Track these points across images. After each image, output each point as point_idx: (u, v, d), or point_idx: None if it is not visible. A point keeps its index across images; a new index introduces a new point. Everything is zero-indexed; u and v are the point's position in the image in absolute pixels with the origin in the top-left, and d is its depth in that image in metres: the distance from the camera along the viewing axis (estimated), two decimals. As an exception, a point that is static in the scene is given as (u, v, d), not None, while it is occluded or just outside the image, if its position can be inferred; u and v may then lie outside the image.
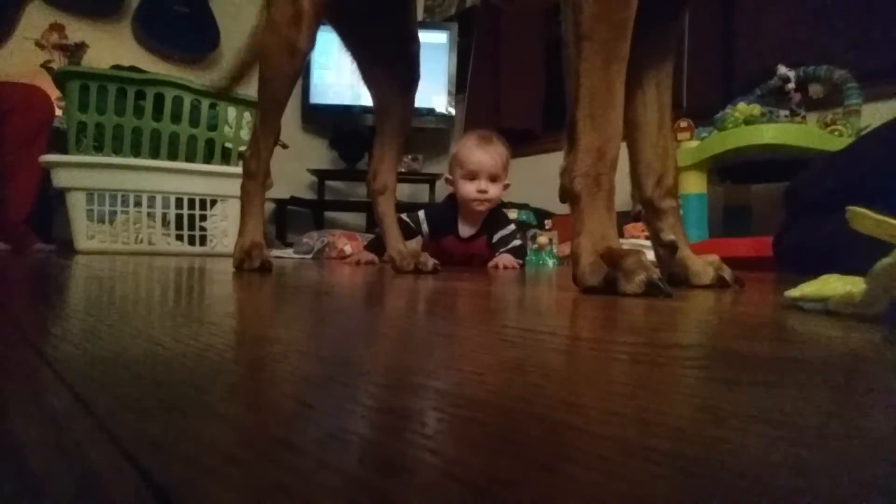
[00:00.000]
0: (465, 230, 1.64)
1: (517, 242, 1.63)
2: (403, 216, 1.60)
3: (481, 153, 1.55)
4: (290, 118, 3.07)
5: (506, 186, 1.62)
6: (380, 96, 1.20)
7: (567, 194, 0.67)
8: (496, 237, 1.62)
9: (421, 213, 1.63)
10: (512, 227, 1.67)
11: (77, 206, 1.85)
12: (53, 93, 2.07)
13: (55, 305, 0.43)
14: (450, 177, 1.63)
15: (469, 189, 1.55)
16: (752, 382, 0.22)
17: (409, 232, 1.56)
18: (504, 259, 1.54)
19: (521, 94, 2.94)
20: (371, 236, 2.24)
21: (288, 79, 1.02)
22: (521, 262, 1.57)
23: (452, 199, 1.65)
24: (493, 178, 1.56)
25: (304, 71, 3.27)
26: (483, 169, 1.54)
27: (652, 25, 0.77)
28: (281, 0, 0.98)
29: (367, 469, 0.12)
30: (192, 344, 0.27)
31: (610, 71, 0.64)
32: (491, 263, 1.56)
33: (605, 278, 0.60)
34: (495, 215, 1.64)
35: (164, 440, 0.14)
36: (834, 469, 0.13)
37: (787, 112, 1.78)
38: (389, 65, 1.17)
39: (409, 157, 3.31)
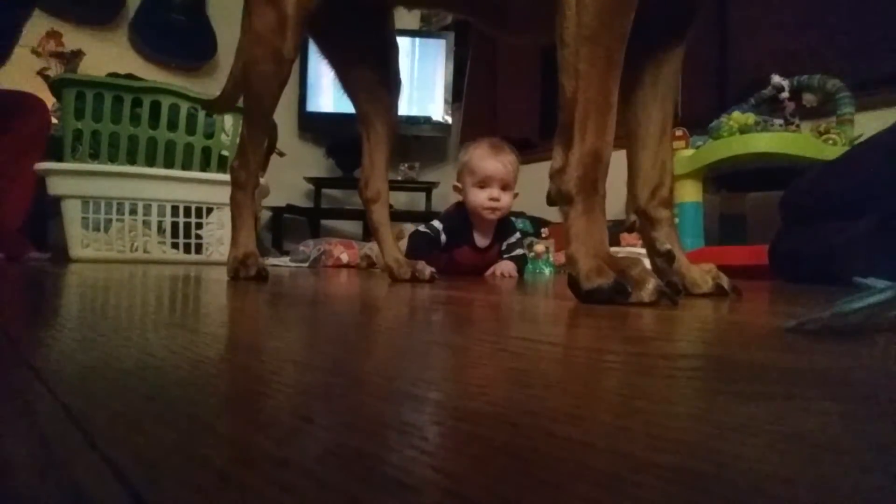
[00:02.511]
0: (480, 240, 1.61)
1: (520, 251, 1.64)
2: (422, 228, 1.57)
3: (493, 161, 1.53)
4: (287, 126, 3.07)
5: (514, 195, 1.60)
6: (362, 104, 1.18)
7: (560, 196, 0.66)
8: (505, 245, 1.62)
9: (437, 223, 1.59)
10: (518, 235, 1.67)
11: (72, 214, 1.84)
12: (49, 100, 2.06)
13: (47, 315, 0.43)
14: (458, 184, 1.61)
15: (481, 197, 1.53)
16: (759, 394, 0.21)
17: (432, 241, 1.53)
18: (503, 266, 1.53)
19: (517, 103, 2.95)
20: (366, 243, 2.23)
21: (275, 88, 1.00)
22: (518, 271, 1.57)
23: (461, 207, 1.62)
24: (505, 187, 1.54)
25: (300, 79, 3.28)
26: (495, 177, 1.52)
27: (660, 43, 0.78)
28: (263, 8, 0.95)
29: (368, 488, 0.12)
30: (185, 355, 0.26)
31: (610, 76, 0.64)
32: (488, 272, 1.56)
33: (615, 284, 0.59)
34: (505, 223, 1.63)
35: (155, 457, 0.13)
36: (847, 484, 0.13)
37: (781, 121, 1.79)
38: (370, 71, 1.16)
39: (406, 165, 3.31)
